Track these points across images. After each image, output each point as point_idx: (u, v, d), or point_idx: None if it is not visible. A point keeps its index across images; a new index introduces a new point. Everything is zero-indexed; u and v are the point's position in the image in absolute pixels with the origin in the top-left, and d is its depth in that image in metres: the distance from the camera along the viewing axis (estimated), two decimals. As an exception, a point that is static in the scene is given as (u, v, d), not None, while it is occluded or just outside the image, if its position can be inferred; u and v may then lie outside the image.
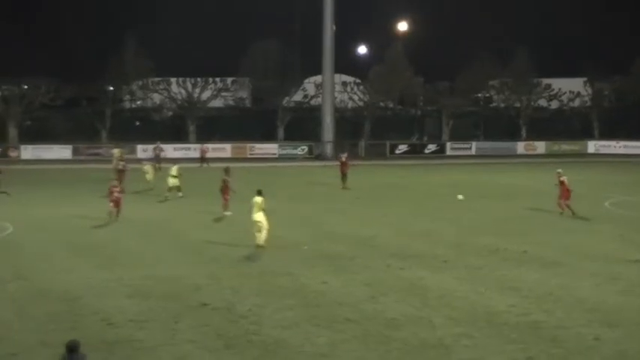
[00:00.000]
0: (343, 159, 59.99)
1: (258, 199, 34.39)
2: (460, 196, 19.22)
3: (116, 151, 67.04)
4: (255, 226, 34.37)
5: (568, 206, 44.09)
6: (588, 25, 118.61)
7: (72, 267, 31.27)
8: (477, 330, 22.83)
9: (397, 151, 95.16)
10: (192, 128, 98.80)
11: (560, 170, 45.44)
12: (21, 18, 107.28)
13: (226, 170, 45.82)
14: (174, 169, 51.86)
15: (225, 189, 44.32)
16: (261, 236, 34.34)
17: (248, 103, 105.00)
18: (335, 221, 43.29)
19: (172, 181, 51.30)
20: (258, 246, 34.04)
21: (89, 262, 32.30)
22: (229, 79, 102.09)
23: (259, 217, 34.31)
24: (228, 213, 43.20)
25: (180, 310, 24.90)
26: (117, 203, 42.10)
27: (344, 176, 58.95)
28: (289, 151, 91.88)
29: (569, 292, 26.98)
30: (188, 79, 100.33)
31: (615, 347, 21.30)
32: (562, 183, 44.69)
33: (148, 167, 58.40)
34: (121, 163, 57.81)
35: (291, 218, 43.20)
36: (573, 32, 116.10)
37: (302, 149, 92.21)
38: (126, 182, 52.66)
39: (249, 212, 34.56)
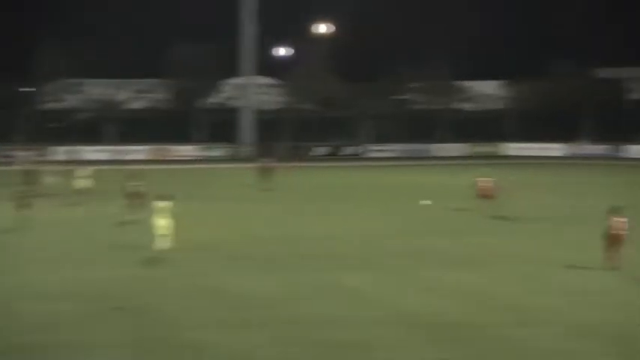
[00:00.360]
0: (268, 163, 59.27)
1: (162, 204, 32.44)
2: (425, 201, 19.01)
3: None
4: (157, 230, 32.49)
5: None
6: (504, 27, 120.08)
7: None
8: (398, 330, 22.88)
9: (317, 153, 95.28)
10: (110, 130, 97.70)
11: (482, 178, 45.58)
12: None
13: (132, 175, 43.57)
14: (81, 172, 50.42)
15: (133, 194, 42.39)
16: (163, 241, 32.62)
17: (167, 105, 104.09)
18: (259, 222, 43.20)
19: (80, 184, 49.80)
20: (159, 250, 32.35)
21: None
22: (149, 81, 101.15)
23: (162, 222, 32.27)
24: (133, 217, 41.56)
25: (93, 313, 24.52)
26: (26, 206, 40.90)
27: (267, 178, 58.29)
28: (209, 153, 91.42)
29: (486, 292, 27.22)
30: (107, 80, 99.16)
31: (528, 345, 21.52)
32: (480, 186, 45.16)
33: (48, 170, 56.77)
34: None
35: (217, 220, 42.88)
36: (489, 35, 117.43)
37: (222, 151, 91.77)
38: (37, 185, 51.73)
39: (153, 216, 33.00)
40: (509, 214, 45.12)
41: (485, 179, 45.13)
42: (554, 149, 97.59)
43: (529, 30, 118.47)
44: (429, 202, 19.02)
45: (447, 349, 21.26)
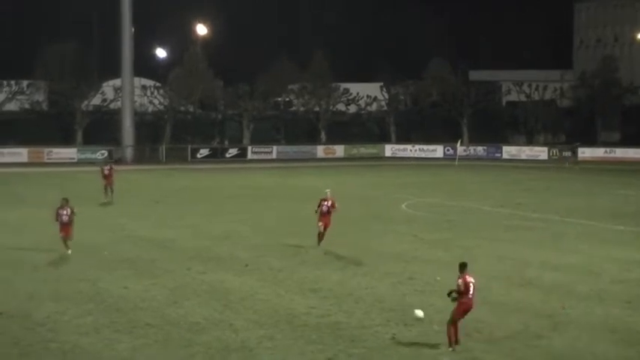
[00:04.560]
0: (106, 171, 53.32)
1: None
2: (418, 313, 18.70)
3: None
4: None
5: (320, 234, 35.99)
6: (382, 30, 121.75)
7: None
8: (279, 332, 23.01)
9: (198, 155, 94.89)
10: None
11: (327, 190, 37.03)
12: None
13: None
14: None
15: None
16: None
17: (45, 107, 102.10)
18: (134, 225, 42.84)
19: None
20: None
21: None
22: (24, 82, 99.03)
23: None
24: None
25: (-27, 320, 24.06)
26: None
27: (109, 189, 52.73)
28: (88, 155, 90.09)
29: (368, 292, 27.56)
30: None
31: (412, 346, 21.88)
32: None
33: None
34: None
35: (90, 222, 42.27)
36: (369, 37, 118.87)
37: (102, 153, 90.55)
38: None
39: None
40: (388, 216, 45.81)
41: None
42: (433, 150, 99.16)
43: (404, 33, 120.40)
44: (421, 313, 18.85)
45: (331, 349, 21.46)
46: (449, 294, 21.60)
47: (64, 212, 33.63)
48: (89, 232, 38.81)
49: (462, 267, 21.67)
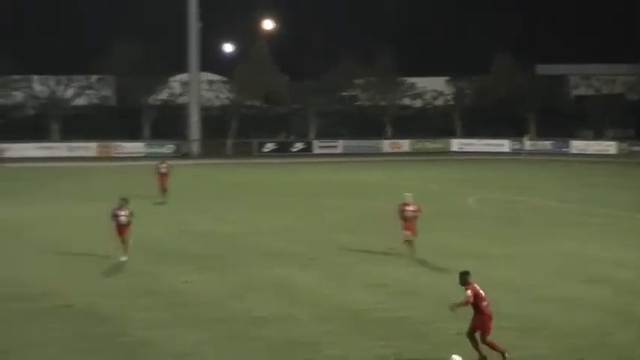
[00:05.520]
0: (163, 169, 51.38)
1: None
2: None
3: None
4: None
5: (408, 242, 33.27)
6: (447, 24, 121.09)
7: None
8: (344, 327, 23.04)
9: (264, 150, 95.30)
10: (55, 127, 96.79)
11: (409, 194, 34.22)
12: None
13: None
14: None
15: None
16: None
17: (113, 102, 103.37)
18: (196, 219, 43.17)
19: None
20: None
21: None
22: (93, 77, 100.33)
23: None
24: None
25: (42, 312, 24.44)
26: None
27: (163, 189, 50.44)
28: (156, 149, 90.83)
29: (432, 289, 27.46)
30: (51, 76, 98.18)
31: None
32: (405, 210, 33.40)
33: None
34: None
35: (153, 217, 42.64)
36: (434, 32, 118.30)
37: (169, 148, 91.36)
38: None
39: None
40: (455, 212, 45.62)
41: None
42: (500, 145, 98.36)
43: (472, 27, 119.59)
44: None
45: (397, 345, 21.45)
46: (455, 307, 20.14)
47: (123, 213, 32.12)
48: (153, 227, 39.14)
49: (465, 276, 20.00)
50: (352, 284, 28.16)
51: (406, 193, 34.02)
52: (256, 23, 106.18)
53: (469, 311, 20.05)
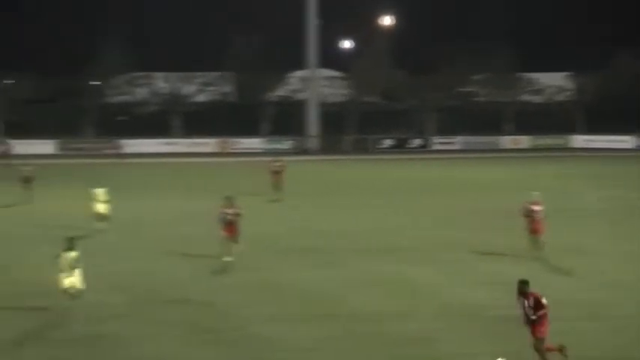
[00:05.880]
0: (277, 167, 50.66)
1: (69, 254, 24.19)
2: None
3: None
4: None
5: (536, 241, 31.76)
6: (568, 19, 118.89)
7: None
8: (461, 324, 22.90)
9: (382, 146, 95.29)
10: (176, 123, 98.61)
11: (536, 193, 33.03)
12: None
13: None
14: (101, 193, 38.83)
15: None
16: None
17: (233, 98, 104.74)
18: (311, 215, 43.50)
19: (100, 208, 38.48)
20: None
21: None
22: (214, 74, 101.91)
23: (69, 281, 23.99)
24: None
25: (163, 305, 24.89)
26: None
27: (278, 187, 49.66)
28: (274, 145, 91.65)
29: (552, 288, 26.84)
30: (172, 73, 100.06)
31: (589, 338, 21.34)
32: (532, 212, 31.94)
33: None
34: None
35: (268, 213, 42.97)
36: (554, 27, 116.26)
37: (287, 144, 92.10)
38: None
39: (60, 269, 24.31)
40: (581, 208, 44.85)
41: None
42: (623, 141, 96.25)
43: (592, 21, 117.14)
44: None
45: (515, 343, 21.14)
46: (530, 320, 19.13)
47: (229, 211, 30.87)
48: (268, 224, 39.44)
49: (524, 285, 19.32)
50: (468, 281, 27.94)
51: (533, 192, 32.74)
52: (375, 19, 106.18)
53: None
